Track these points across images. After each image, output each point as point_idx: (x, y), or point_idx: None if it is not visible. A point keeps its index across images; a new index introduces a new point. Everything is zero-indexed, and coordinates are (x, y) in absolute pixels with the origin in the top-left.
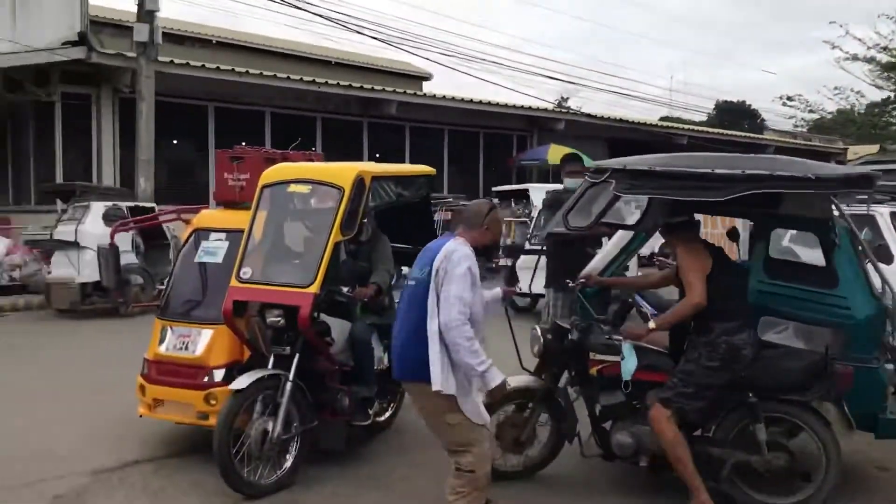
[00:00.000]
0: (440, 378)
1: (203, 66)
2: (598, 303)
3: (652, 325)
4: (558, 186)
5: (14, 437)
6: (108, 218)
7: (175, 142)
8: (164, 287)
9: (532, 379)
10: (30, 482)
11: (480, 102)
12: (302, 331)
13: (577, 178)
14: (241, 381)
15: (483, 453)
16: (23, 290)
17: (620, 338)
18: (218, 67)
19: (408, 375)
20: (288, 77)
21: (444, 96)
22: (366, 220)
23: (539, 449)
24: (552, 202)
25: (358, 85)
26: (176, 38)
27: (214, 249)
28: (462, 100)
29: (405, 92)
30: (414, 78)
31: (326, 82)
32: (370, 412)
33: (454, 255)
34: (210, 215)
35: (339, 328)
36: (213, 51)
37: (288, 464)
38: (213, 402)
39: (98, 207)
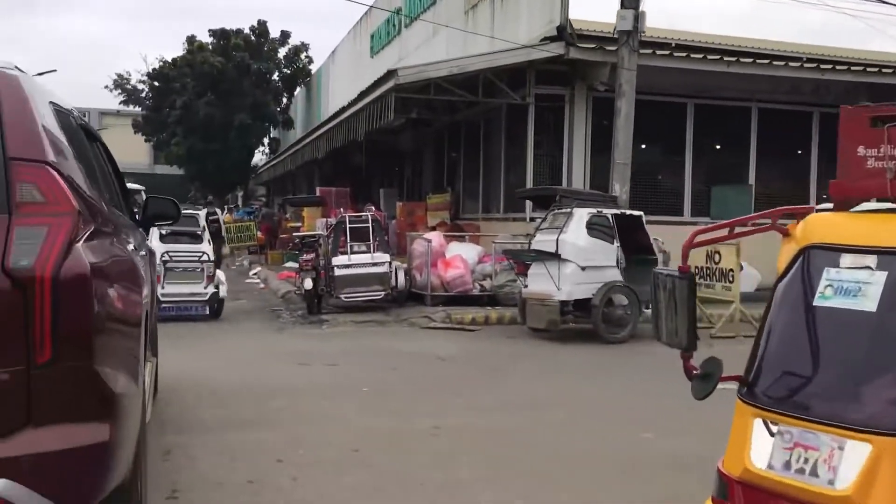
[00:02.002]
0: None
1: (688, 55)
2: None
3: None
4: None
5: None
6: (591, 227)
7: (643, 145)
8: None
9: None
10: None
11: None
12: None
13: None
14: None
15: None
16: (493, 302)
17: None
18: (705, 56)
19: None
20: (786, 64)
21: None
22: None
23: None
24: None
25: (874, 69)
26: (643, 44)
27: (856, 286)
28: None
29: None
30: None
31: (834, 67)
32: None
33: None
34: (834, 222)
35: None
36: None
37: None
38: None
39: (581, 215)
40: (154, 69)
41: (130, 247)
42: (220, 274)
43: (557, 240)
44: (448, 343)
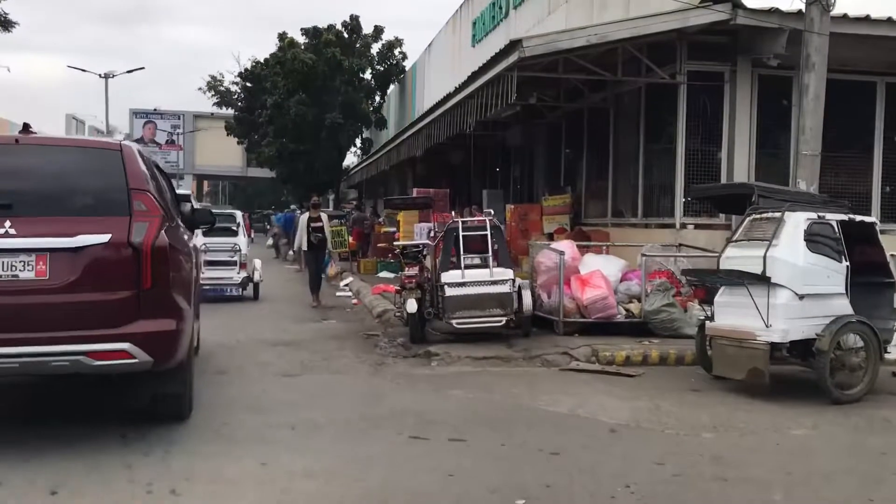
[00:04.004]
0: None
1: (889, 19)
2: None
3: None
4: None
5: None
6: (812, 239)
7: None
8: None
9: None
10: None
11: None
12: None
13: None
14: None
15: None
16: (641, 331)
17: None
18: None
19: None
20: None
21: None
22: None
23: None
24: None
25: None
26: None
27: None
28: None
29: None
30: None
31: None
32: None
33: None
34: None
35: None
36: None
37: None
38: None
39: (797, 221)
40: (246, 69)
41: (186, 237)
42: (256, 262)
43: (766, 256)
44: (609, 398)
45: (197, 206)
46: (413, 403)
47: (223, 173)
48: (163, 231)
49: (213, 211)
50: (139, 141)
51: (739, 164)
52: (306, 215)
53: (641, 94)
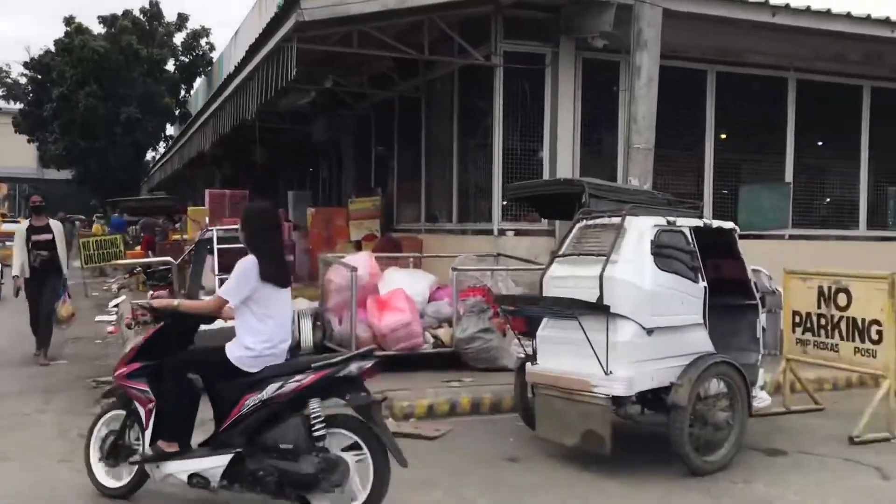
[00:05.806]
0: None
1: None
2: None
3: None
4: None
5: None
6: (662, 252)
7: None
8: None
9: None
10: None
11: None
12: None
13: None
14: None
15: None
16: (454, 363)
17: None
18: (743, 1)
19: None
20: (848, 14)
21: None
22: None
23: None
24: None
25: None
26: None
27: None
28: None
29: None
30: None
31: None
32: None
33: None
34: None
35: None
36: None
37: None
38: None
39: (642, 229)
40: (33, 59)
41: None
42: None
43: (602, 277)
44: (397, 486)
45: None
46: None
47: (15, 175)
48: None
49: None
50: None
51: (563, 160)
52: (25, 224)
53: (455, 81)
